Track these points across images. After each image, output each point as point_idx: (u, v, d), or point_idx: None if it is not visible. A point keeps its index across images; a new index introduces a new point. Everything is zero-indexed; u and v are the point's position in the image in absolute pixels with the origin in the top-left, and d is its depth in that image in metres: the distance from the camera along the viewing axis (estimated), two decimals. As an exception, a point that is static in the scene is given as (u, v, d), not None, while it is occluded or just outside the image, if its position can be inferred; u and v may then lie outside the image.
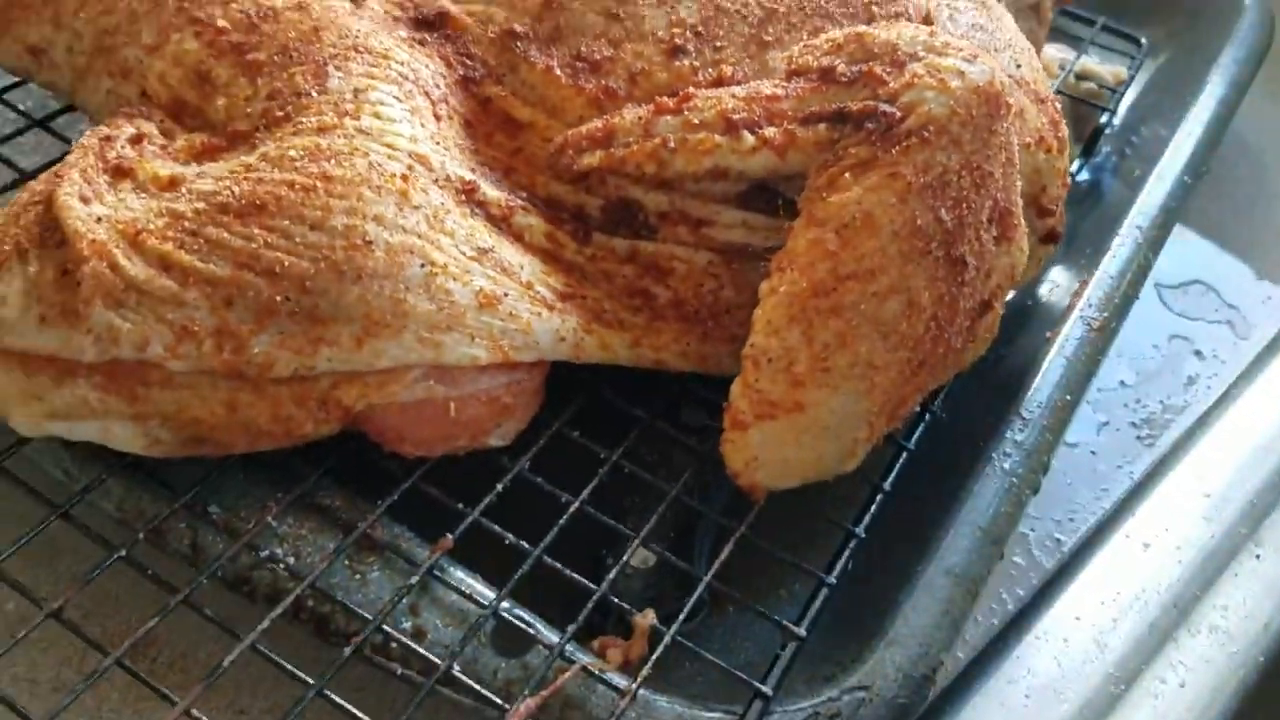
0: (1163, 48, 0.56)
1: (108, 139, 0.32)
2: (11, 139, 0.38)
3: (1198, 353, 0.47)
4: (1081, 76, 0.53)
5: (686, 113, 0.33)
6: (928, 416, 0.37)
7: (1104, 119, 0.51)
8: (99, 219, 0.29)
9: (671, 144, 0.33)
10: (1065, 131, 0.37)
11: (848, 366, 0.31)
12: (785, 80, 0.33)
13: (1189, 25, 0.56)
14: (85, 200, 0.29)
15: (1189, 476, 0.42)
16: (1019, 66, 0.36)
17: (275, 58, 0.33)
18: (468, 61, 0.36)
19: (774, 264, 0.31)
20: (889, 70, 0.32)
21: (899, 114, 0.31)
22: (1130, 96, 0.54)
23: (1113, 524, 0.40)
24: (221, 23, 0.34)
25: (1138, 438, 0.44)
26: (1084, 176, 0.50)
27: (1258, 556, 0.40)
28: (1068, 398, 0.38)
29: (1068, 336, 0.39)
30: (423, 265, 0.30)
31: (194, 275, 0.28)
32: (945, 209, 0.31)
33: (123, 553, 0.29)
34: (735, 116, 0.32)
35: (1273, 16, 0.55)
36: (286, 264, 0.29)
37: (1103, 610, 0.37)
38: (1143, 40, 0.55)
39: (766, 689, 0.29)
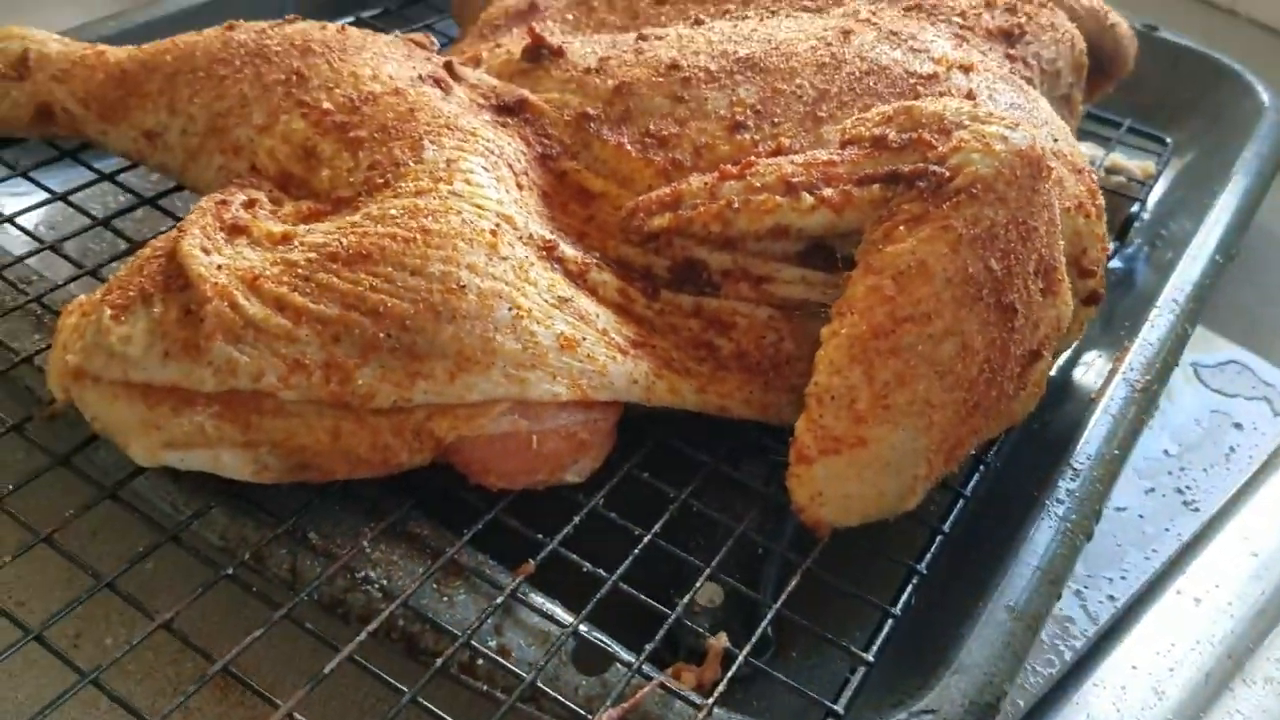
0: (1187, 147, 0.59)
1: (223, 203, 0.35)
2: (124, 214, 0.42)
3: (1237, 425, 0.48)
4: (1111, 171, 0.56)
5: (749, 177, 0.36)
6: (982, 467, 0.39)
7: (1134, 209, 0.53)
8: (219, 266, 0.32)
9: (735, 205, 0.35)
10: (1102, 200, 0.40)
11: (907, 404, 0.33)
12: (839, 149, 0.36)
13: (1212, 126, 0.60)
14: (206, 251, 0.32)
15: (1235, 538, 0.43)
16: (1056, 140, 0.39)
17: (375, 134, 0.37)
18: (545, 140, 0.39)
19: (834, 310, 0.34)
20: (937, 137, 0.35)
21: (948, 174, 0.34)
22: (1158, 192, 0.57)
23: (1164, 581, 0.41)
24: (326, 105, 0.38)
25: (1183, 503, 0.45)
26: (1117, 264, 0.53)
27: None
28: (1116, 451, 0.39)
29: (1112, 397, 0.41)
30: (510, 309, 0.33)
31: (306, 315, 0.31)
32: (994, 259, 0.33)
33: (229, 571, 0.30)
34: (794, 179, 0.35)
35: (1289, 117, 0.58)
36: (389, 305, 0.31)
37: (1159, 660, 0.38)
38: (1168, 140, 0.58)
39: (839, 707, 0.30)
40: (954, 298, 0.33)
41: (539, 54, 0.42)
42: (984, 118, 0.35)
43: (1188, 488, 0.45)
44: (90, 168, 0.43)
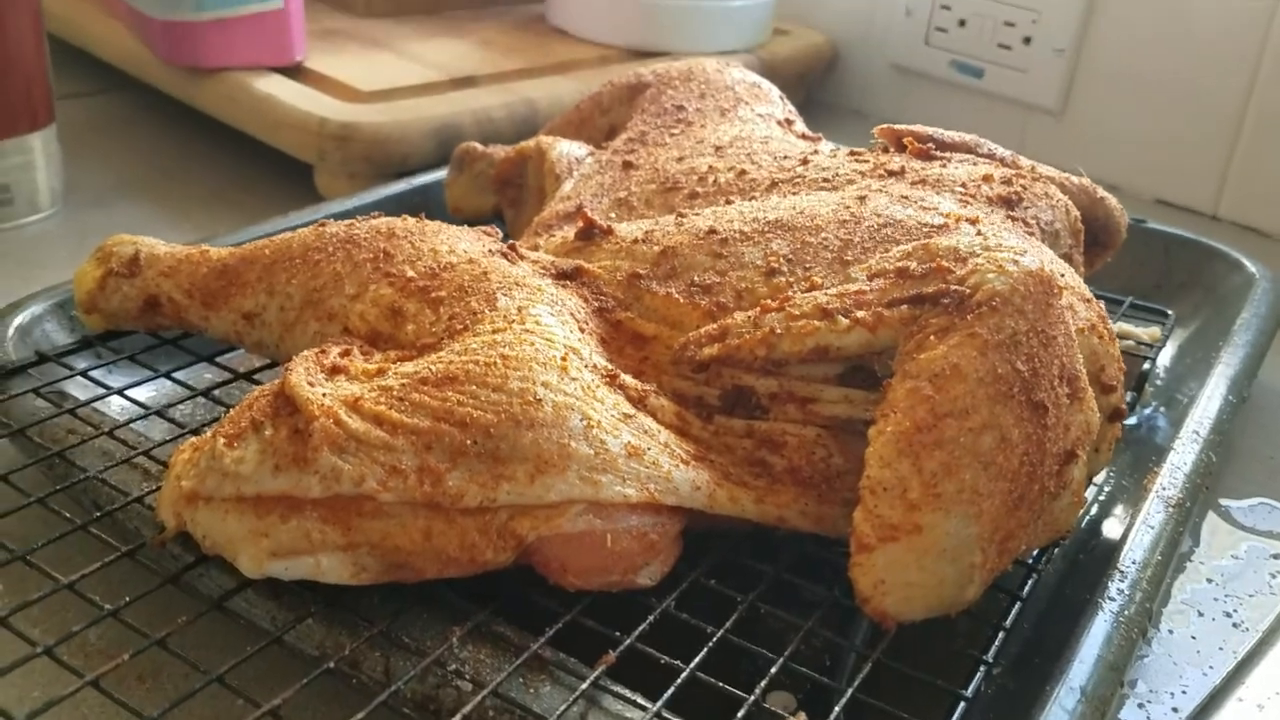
0: (1190, 318, 0.64)
1: (322, 351, 0.39)
2: (221, 386, 0.46)
3: (1275, 556, 0.50)
4: (1121, 336, 0.60)
5: (788, 308, 0.40)
6: (1035, 574, 0.40)
7: (1147, 366, 0.57)
8: (324, 394, 0.35)
9: (778, 330, 0.39)
10: (1112, 326, 0.43)
11: (956, 492, 0.35)
12: (867, 282, 0.41)
13: (1209, 298, 0.64)
14: (311, 384, 0.36)
15: (1295, 650, 0.44)
16: (1063, 275, 0.43)
17: (454, 293, 0.41)
18: (601, 296, 0.44)
19: (878, 413, 0.37)
20: (954, 264, 0.39)
21: (969, 291, 0.38)
22: (1167, 357, 0.61)
23: (1225, 692, 0.42)
24: (410, 273, 0.43)
25: (1233, 625, 0.46)
26: (1134, 423, 0.56)
27: (1377, 718, 0.41)
28: (1158, 557, 0.41)
29: (1149, 511, 0.43)
30: (581, 420, 0.36)
31: (401, 427, 0.34)
32: (1020, 361, 0.37)
33: (330, 665, 0.32)
34: (830, 306, 0.39)
35: (1281, 289, 0.63)
36: (474, 416, 0.35)
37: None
38: (1170, 312, 0.63)
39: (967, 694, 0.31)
40: (988, 395, 0.36)
41: (591, 233, 0.47)
42: (995, 246, 0.40)
43: (1235, 611, 0.46)
44: (189, 352, 0.47)
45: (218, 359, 0.48)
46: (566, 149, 0.59)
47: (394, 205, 0.63)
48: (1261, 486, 0.54)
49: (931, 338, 0.37)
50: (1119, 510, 0.47)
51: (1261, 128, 0.81)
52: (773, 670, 0.34)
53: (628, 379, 0.40)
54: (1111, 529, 0.44)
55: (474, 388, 0.36)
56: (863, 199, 0.46)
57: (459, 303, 0.41)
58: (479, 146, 0.64)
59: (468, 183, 0.64)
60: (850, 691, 0.34)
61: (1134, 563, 0.40)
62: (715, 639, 0.35)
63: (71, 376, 0.45)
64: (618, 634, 0.35)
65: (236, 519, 0.34)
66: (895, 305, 0.39)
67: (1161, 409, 0.57)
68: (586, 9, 0.92)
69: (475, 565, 0.34)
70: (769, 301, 0.41)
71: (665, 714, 0.32)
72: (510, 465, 0.35)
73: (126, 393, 0.44)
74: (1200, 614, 0.46)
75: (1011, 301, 0.37)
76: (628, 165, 0.56)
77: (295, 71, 0.78)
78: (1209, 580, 0.48)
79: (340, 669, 0.32)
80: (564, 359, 0.38)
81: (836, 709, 0.33)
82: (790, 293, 0.41)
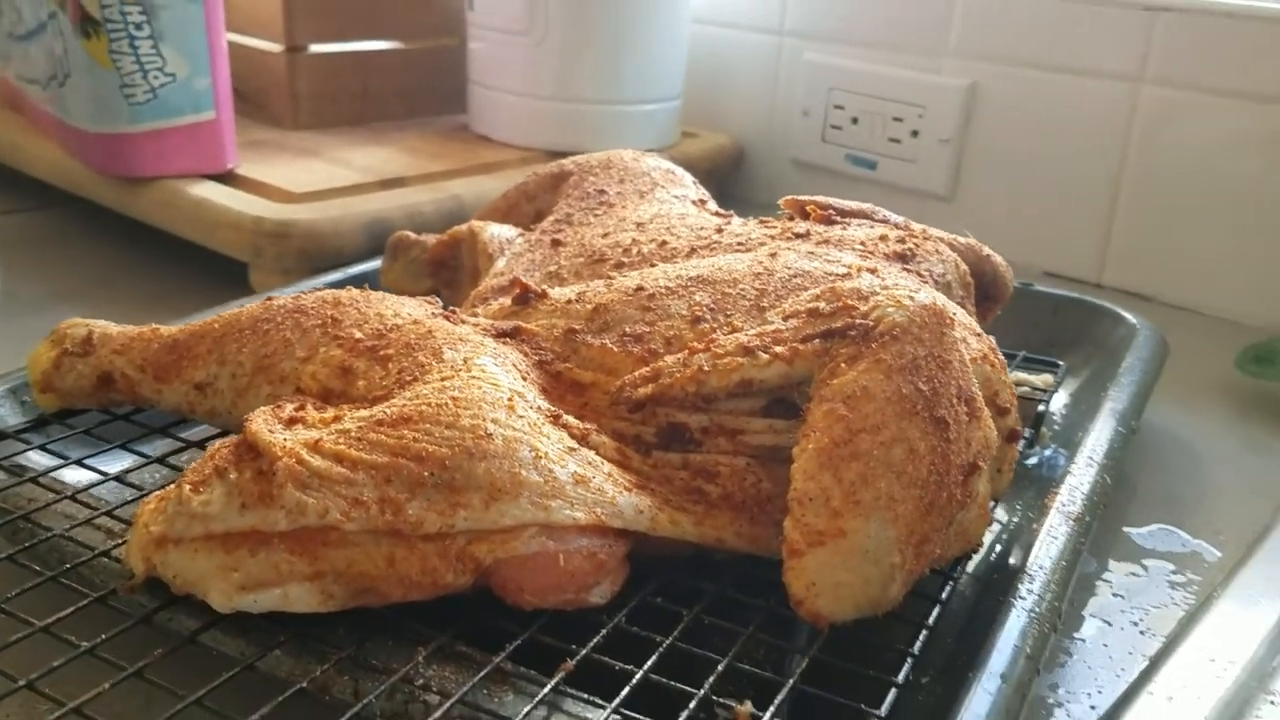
0: (1080, 368, 0.69)
1: (278, 406, 0.41)
2: (176, 454, 0.48)
3: (1175, 571, 0.54)
4: (1015, 384, 0.64)
5: (713, 348, 0.44)
6: (951, 582, 0.44)
7: (1042, 408, 0.62)
8: (285, 438, 0.38)
9: (705, 368, 0.43)
10: (1002, 356, 0.48)
11: (873, 499, 0.39)
12: (782, 322, 0.44)
13: (1097, 350, 0.69)
14: (271, 431, 0.38)
15: (1193, 650, 0.47)
16: (955, 311, 0.48)
17: (401, 350, 0.44)
18: (540, 350, 0.47)
19: (800, 434, 0.40)
20: (858, 302, 0.43)
21: (872, 323, 0.42)
22: (1061, 402, 0.66)
23: (1137, 688, 0.45)
24: (358, 335, 0.45)
25: (1140, 632, 0.49)
26: (1034, 463, 0.60)
27: (1272, 702, 0.45)
28: (1063, 562, 0.45)
29: (1052, 523, 0.47)
30: (530, 451, 0.39)
31: (361, 464, 0.37)
32: (921, 382, 0.41)
33: (303, 684, 0.34)
34: (751, 344, 0.43)
35: (1162, 334, 0.69)
36: (430, 451, 0.37)
37: (1146, 743, 0.41)
38: (1060, 363, 0.68)
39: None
40: (895, 412, 0.40)
41: (526, 298, 0.51)
42: (892, 286, 0.44)
43: (1141, 620, 0.50)
44: (141, 425, 0.49)
45: (169, 430, 0.49)
46: (497, 231, 0.63)
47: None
48: (1158, 514, 0.59)
49: (842, 365, 0.41)
50: (1025, 534, 0.51)
51: (1134, 201, 0.88)
52: (719, 668, 0.36)
53: (570, 419, 0.43)
54: (1019, 543, 0.48)
55: (428, 426, 0.38)
56: (774, 255, 0.50)
57: (407, 358, 0.44)
58: (411, 235, 0.68)
59: (402, 269, 0.67)
60: (791, 683, 0.36)
61: (1041, 567, 0.44)
62: (664, 645, 0.37)
63: (29, 450, 0.46)
64: (573, 647, 0.37)
65: (206, 556, 0.36)
66: (809, 340, 0.43)
67: (1061, 450, 0.61)
68: (508, 116, 0.97)
69: (437, 588, 0.37)
70: (697, 345, 0.44)
71: (623, 711, 0.34)
72: (466, 494, 0.37)
73: (85, 462, 0.46)
74: (1109, 624, 0.50)
75: (910, 330, 0.42)
76: (556, 243, 0.60)
77: (227, 178, 0.81)
78: (1116, 595, 0.52)
79: (311, 691, 0.34)
80: (510, 400, 0.41)
81: (779, 698, 0.35)
82: (715, 336, 0.45)
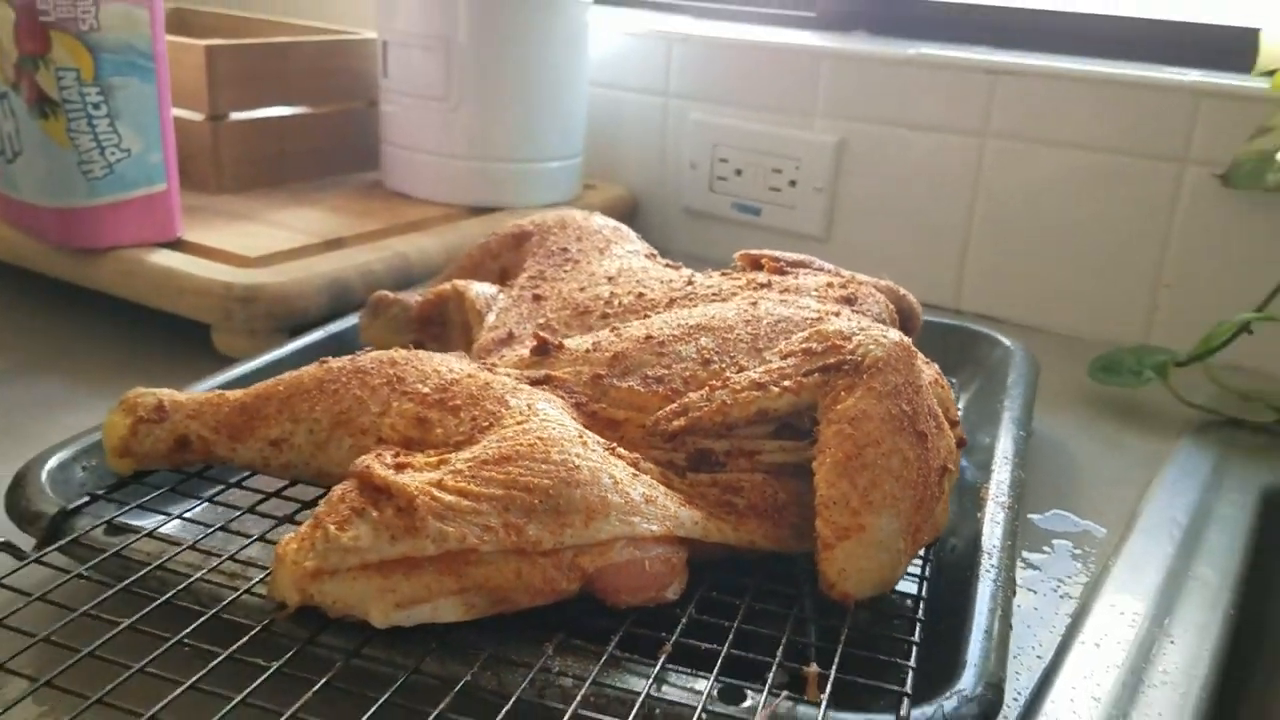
0: (969, 384, 0.81)
1: (379, 455, 0.48)
2: (261, 502, 0.53)
3: (1077, 546, 0.66)
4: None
5: (730, 385, 0.53)
6: (928, 562, 0.54)
7: (953, 419, 0.73)
8: (412, 481, 0.45)
9: (728, 402, 0.52)
10: (945, 380, 0.59)
11: (882, 499, 0.49)
12: (782, 360, 0.54)
13: (980, 370, 0.82)
14: (394, 475, 0.45)
15: (1105, 606, 0.59)
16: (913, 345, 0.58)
17: (467, 401, 0.52)
18: (574, 394, 0.55)
19: (816, 450, 0.50)
20: (843, 341, 0.53)
21: (859, 359, 0.52)
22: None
23: (1069, 638, 0.57)
24: (424, 390, 0.52)
25: (1060, 596, 0.61)
26: (950, 465, 0.72)
27: (1172, 642, 0.57)
28: (1008, 542, 0.56)
29: (992, 513, 0.58)
30: (609, 478, 0.47)
31: (482, 496, 0.44)
32: (904, 404, 0.51)
33: (467, 678, 0.41)
34: (762, 380, 0.53)
35: (1033, 354, 0.82)
36: (535, 483, 0.45)
37: (1085, 681, 0.53)
38: (953, 380, 0.80)
39: (908, 688, 0.43)
40: (889, 429, 0.50)
41: (546, 349, 0.59)
42: (867, 327, 0.54)
43: (1059, 587, 0.62)
44: (215, 480, 0.55)
45: (242, 484, 0.55)
46: (480, 289, 0.70)
47: (319, 349, 0.72)
48: (1052, 502, 0.71)
49: (841, 393, 0.51)
50: (971, 521, 0.62)
51: (984, 237, 1.03)
52: (782, 640, 0.46)
53: (622, 450, 0.51)
54: (968, 530, 0.59)
55: (526, 463, 0.46)
56: (755, 304, 0.60)
57: (475, 407, 0.51)
58: (390, 294, 0.74)
59: (383, 325, 0.73)
60: (840, 647, 0.46)
61: (994, 546, 0.55)
62: (734, 627, 0.46)
63: (128, 509, 0.51)
64: (663, 635, 0.45)
65: (364, 582, 0.43)
66: (810, 374, 0.52)
67: (964, 457, 0.73)
68: (424, 174, 1.04)
69: (555, 594, 0.44)
70: (714, 383, 0.54)
71: (722, 679, 0.43)
72: (569, 515, 0.45)
73: (184, 516, 0.51)
74: (1034, 592, 0.61)
75: (889, 362, 0.52)
76: (537, 297, 0.68)
77: (177, 245, 0.86)
78: (1034, 569, 0.64)
79: (469, 687, 0.41)
80: (580, 436, 0.49)
81: (835, 659, 0.45)
82: (726, 375, 0.54)
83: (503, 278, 0.76)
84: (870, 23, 1.14)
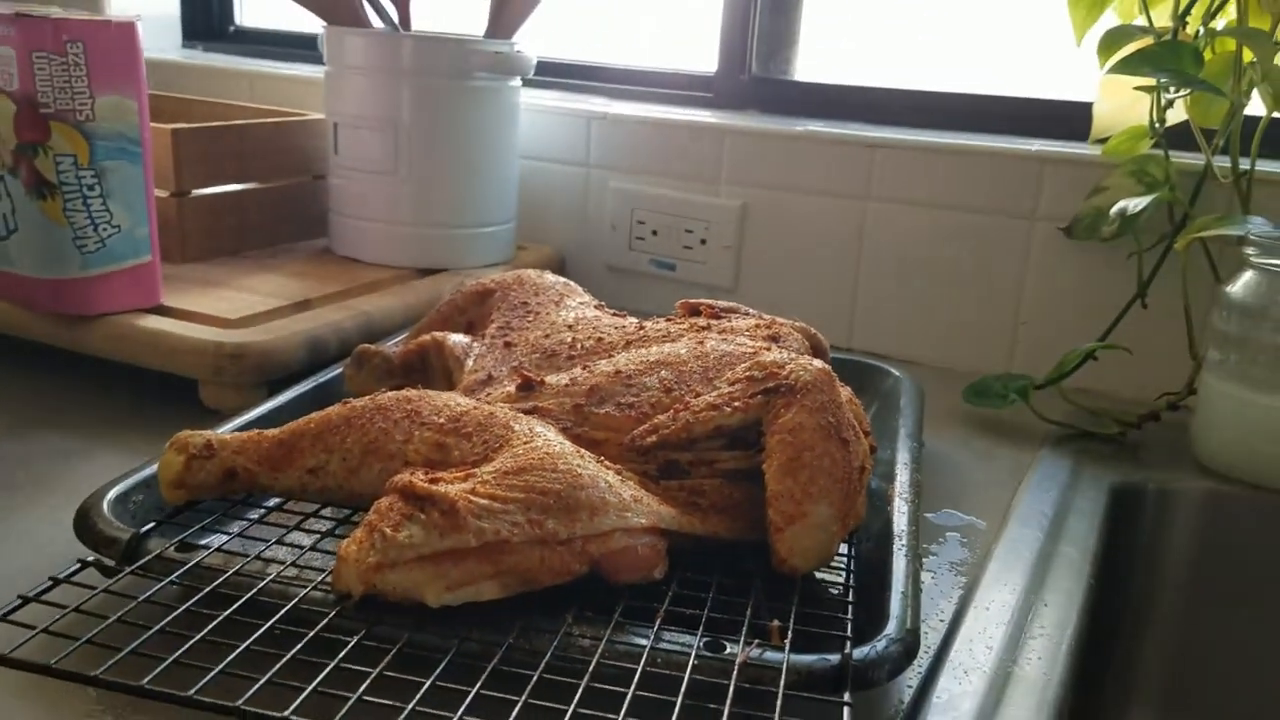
0: (869, 406, 0.95)
1: (413, 473, 0.59)
2: (303, 521, 0.63)
3: (963, 537, 0.80)
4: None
5: (691, 407, 0.65)
6: (853, 545, 0.67)
7: (858, 438, 0.87)
8: (450, 489, 0.56)
9: (691, 420, 0.64)
10: (858, 401, 0.72)
11: (818, 492, 0.61)
12: (730, 386, 0.67)
13: (876, 396, 0.96)
14: (435, 486, 0.56)
15: (991, 579, 0.73)
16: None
17: (478, 427, 0.62)
18: (560, 420, 0.66)
19: (764, 456, 0.62)
20: (778, 369, 0.66)
21: (793, 383, 0.65)
22: (863, 435, 0.91)
23: (965, 605, 0.70)
24: (440, 420, 0.63)
25: (954, 574, 0.75)
26: (859, 476, 0.85)
27: (1045, 604, 0.71)
28: (912, 528, 0.69)
29: (899, 505, 0.71)
30: (605, 482, 0.59)
31: (508, 500, 0.55)
32: (830, 416, 0.64)
33: (510, 640, 0.52)
34: (717, 402, 0.65)
35: (919, 382, 0.96)
36: (549, 487, 0.56)
37: (981, 637, 0.66)
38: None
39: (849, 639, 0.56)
40: (820, 436, 0.63)
41: (530, 386, 0.70)
42: (796, 358, 0.67)
43: (952, 567, 0.76)
44: (259, 505, 0.64)
45: (281, 508, 0.65)
46: (456, 339, 0.81)
47: (314, 397, 0.81)
48: (940, 503, 0.85)
49: (781, 410, 0.64)
50: (882, 513, 0.75)
51: (868, 286, 1.18)
52: (749, 604, 0.58)
53: (607, 462, 0.63)
54: (881, 518, 0.72)
55: (539, 472, 0.57)
56: (701, 342, 0.73)
57: (486, 432, 0.62)
58: (372, 346, 0.84)
59: (368, 375, 0.84)
60: (793, 609, 0.58)
61: (902, 530, 0.68)
62: (710, 598, 0.58)
63: (192, 531, 0.61)
64: (655, 605, 0.57)
65: (419, 571, 0.53)
66: (754, 396, 0.65)
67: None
68: (372, 240, 1.14)
69: (570, 575, 0.56)
70: (677, 406, 0.66)
71: (708, 634, 0.55)
72: (577, 512, 0.56)
73: (245, 534, 0.61)
74: (933, 573, 0.75)
75: (817, 385, 0.65)
76: (508, 344, 0.79)
77: (160, 310, 0.94)
78: (932, 555, 0.77)
79: (509, 649, 0.52)
80: (577, 452, 0.60)
81: (791, 618, 0.57)
82: (686, 399, 0.67)
83: (470, 329, 0.87)
84: (760, 103, 1.29)
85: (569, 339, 0.78)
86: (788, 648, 0.54)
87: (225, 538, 0.61)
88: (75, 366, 0.95)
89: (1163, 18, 0.97)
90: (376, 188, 1.13)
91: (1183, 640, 0.90)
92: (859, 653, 0.55)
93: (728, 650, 0.54)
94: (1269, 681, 0.90)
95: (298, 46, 1.59)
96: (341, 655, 0.50)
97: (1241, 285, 0.88)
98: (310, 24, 1.48)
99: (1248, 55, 0.92)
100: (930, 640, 0.65)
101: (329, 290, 1.03)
